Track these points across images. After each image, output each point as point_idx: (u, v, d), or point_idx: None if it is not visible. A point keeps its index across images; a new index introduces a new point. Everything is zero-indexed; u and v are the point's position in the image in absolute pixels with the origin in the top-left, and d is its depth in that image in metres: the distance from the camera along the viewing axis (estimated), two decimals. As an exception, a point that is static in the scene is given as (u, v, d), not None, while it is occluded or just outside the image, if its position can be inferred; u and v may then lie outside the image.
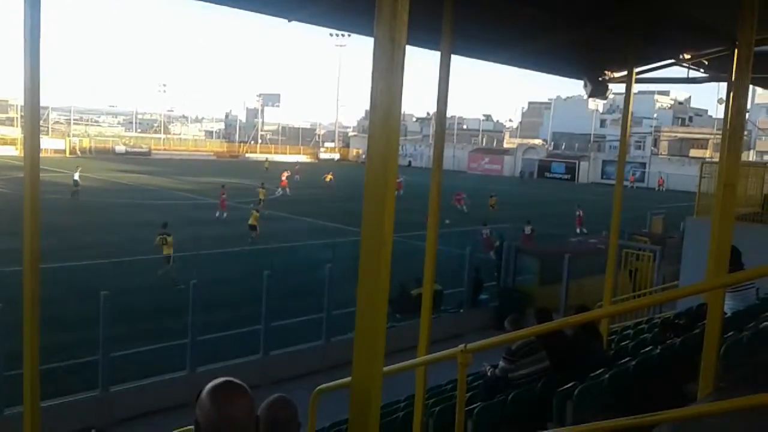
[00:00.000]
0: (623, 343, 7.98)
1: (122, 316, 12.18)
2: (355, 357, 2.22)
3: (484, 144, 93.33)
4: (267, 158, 70.48)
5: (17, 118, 71.33)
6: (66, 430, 9.26)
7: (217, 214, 30.39)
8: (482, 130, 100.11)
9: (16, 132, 70.74)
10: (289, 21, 7.47)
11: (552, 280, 17.00)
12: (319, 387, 4.65)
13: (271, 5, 6.43)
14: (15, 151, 67.31)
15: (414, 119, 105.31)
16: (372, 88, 2.19)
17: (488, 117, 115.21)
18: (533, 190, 57.13)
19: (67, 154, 67.13)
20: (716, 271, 4.57)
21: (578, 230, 30.19)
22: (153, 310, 14.93)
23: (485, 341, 3.90)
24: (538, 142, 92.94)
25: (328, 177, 47.81)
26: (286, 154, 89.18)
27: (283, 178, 42.13)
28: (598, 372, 5.38)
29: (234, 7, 5.93)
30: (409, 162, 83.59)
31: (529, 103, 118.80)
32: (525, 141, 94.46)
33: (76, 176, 36.07)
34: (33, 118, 3.97)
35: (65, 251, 19.89)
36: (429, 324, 6.20)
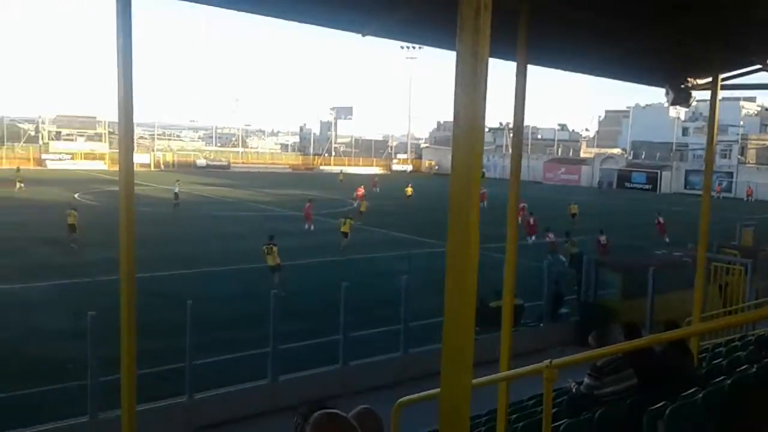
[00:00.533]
0: (716, 362, 7.61)
1: (208, 324, 12.61)
2: (444, 369, 2.22)
3: (559, 154, 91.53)
4: (341, 170, 71.56)
5: (105, 134, 75.11)
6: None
7: (306, 226, 31.03)
8: (558, 140, 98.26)
9: (104, 147, 74.49)
10: (363, 36, 7.58)
11: (636, 294, 16.43)
12: (400, 399, 4.67)
13: (345, 21, 6.55)
14: (104, 166, 71.01)
15: (487, 129, 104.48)
16: (455, 102, 2.20)
17: (563, 126, 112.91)
18: (613, 201, 55.54)
19: (152, 168, 70.16)
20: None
21: (664, 239, 29.15)
22: (238, 318, 15.37)
23: (571, 357, 3.82)
24: (616, 151, 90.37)
25: (408, 190, 47.06)
26: (359, 166, 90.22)
27: (360, 192, 42.64)
28: (690, 391, 5.16)
29: (310, 23, 6.06)
30: (483, 173, 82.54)
31: (606, 111, 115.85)
32: (602, 150, 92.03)
33: (176, 189, 37.52)
34: (127, 134, 4.18)
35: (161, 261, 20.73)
36: (510, 338, 6.10)
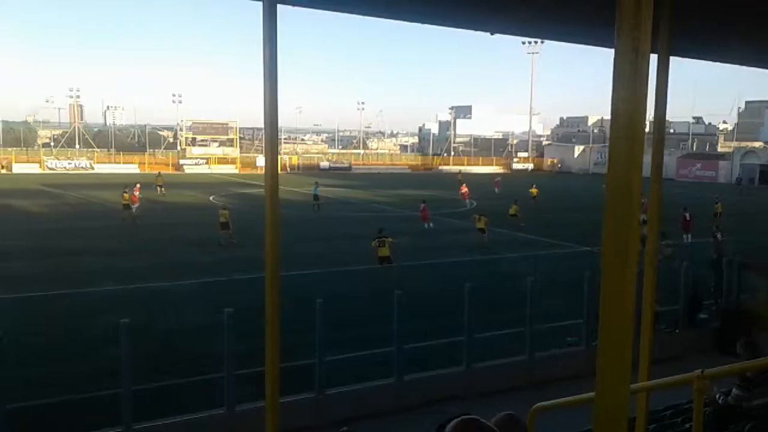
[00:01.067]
0: None
1: (338, 322, 12.97)
2: (600, 375, 2.15)
3: (694, 149, 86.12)
4: (460, 170, 71.26)
5: (236, 139, 79.29)
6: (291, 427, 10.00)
7: (426, 226, 31.33)
8: (692, 134, 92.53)
9: (236, 152, 78.68)
10: (492, 34, 7.49)
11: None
12: (537, 405, 4.57)
13: (475, 20, 6.49)
14: (235, 169, 75.03)
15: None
16: (613, 100, 2.12)
17: (698, 120, 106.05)
18: (756, 199, 51.52)
19: (278, 171, 73.19)
20: None
21: None
22: (364, 316, 15.71)
23: (725, 367, 3.58)
24: (758, 144, 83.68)
25: (534, 191, 45.40)
26: (478, 165, 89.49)
27: (463, 190, 42.51)
28: None
29: (441, 25, 6.06)
30: (609, 170, 79.59)
31: (747, 102, 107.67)
32: (743, 144, 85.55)
33: (316, 191, 38.84)
34: (272, 140, 4.37)
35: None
36: (650, 345, 5.81)
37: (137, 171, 66.95)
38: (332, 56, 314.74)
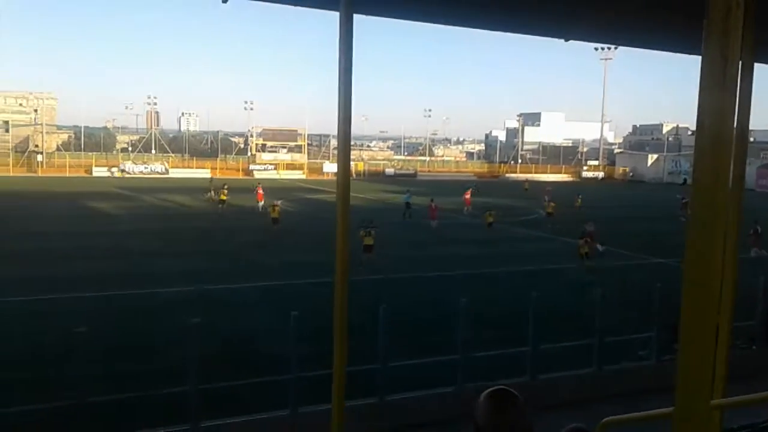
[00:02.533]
0: None
1: (403, 329, 12.99)
2: (680, 390, 2.08)
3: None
4: (527, 179, 70.61)
5: (304, 145, 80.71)
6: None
7: (433, 224, 33.63)
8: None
9: (304, 158, 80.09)
10: (566, 41, 7.38)
11: None
12: (606, 420, 4.44)
13: (550, 28, 6.41)
14: (302, 175, 76.34)
15: (689, 132, 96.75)
16: (700, 107, 2.07)
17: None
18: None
19: (350, 178, 74.01)
20: None
21: None
22: (427, 323, 15.71)
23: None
24: None
25: (578, 201, 45.87)
26: (546, 173, 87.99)
27: (467, 196, 43.71)
28: None
29: (517, 33, 6.03)
30: (685, 179, 76.89)
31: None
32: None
33: (408, 198, 39.14)
34: (345, 147, 4.45)
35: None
36: (726, 361, 5.59)
37: (209, 175, 69.01)
38: (400, 63, 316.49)
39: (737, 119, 5.82)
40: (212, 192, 45.03)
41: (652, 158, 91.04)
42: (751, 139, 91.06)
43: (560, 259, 25.61)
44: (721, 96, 2.05)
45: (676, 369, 2.08)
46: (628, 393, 10.98)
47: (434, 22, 4.96)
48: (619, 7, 5.55)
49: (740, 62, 5.71)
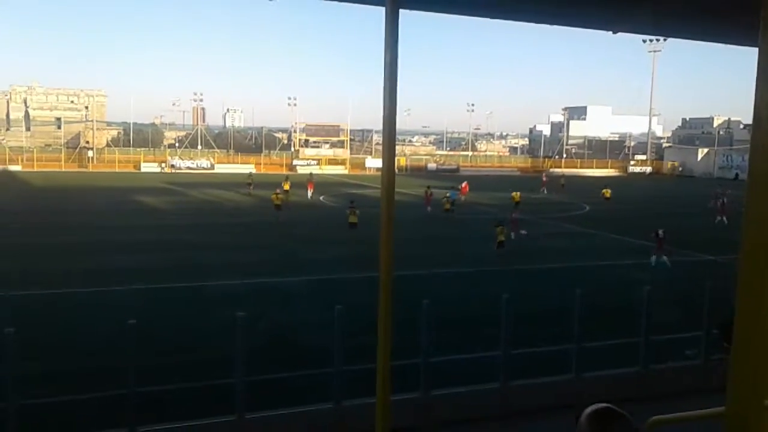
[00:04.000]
0: None
1: (445, 324, 12.96)
2: (733, 389, 2.05)
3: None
4: (563, 174, 69.92)
5: (347, 140, 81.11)
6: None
7: (428, 209, 35.85)
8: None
9: (346, 153, 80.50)
10: (615, 33, 7.24)
11: None
12: (654, 418, 4.36)
13: (598, 20, 6.30)
14: (344, 170, 76.73)
15: (741, 126, 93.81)
16: (756, 101, 2.02)
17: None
18: None
19: (395, 172, 74.10)
20: None
21: None
22: (470, 319, 15.66)
23: None
24: None
25: (607, 192, 46.76)
26: (592, 168, 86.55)
27: (463, 185, 45.27)
28: None
29: (564, 26, 5.94)
30: (736, 174, 74.62)
31: None
32: None
33: (453, 195, 39.09)
34: (390, 143, 4.46)
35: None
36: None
37: (254, 171, 70.05)
38: (442, 57, 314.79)
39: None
40: (251, 187, 45.91)
41: (702, 152, 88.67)
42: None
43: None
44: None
45: (727, 369, 2.05)
46: (675, 393, 10.76)
47: (480, 16, 4.91)
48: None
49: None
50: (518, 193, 39.47)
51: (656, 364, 12.33)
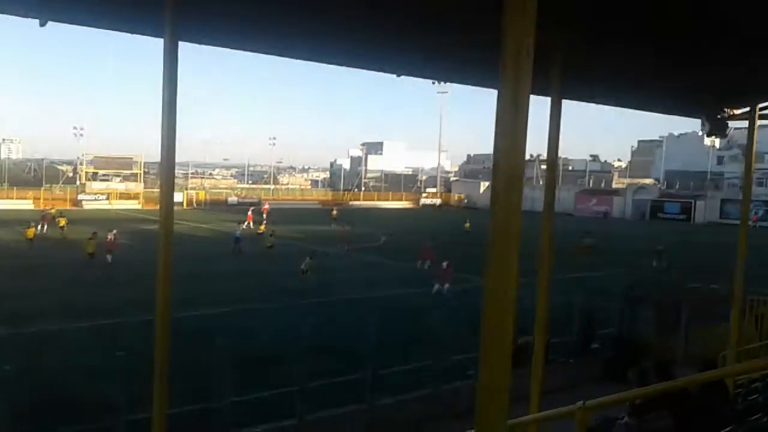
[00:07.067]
0: (752, 398, 7.38)
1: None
2: (479, 410, 2.18)
3: (591, 185, 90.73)
4: (334, 208, 69.18)
5: (140, 174, 76.70)
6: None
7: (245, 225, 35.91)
8: (589, 171, 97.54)
9: (139, 187, 76.01)
10: (398, 76, 7.70)
11: (670, 328, 16.05)
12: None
13: (382, 63, 6.65)
14: (138, 205, 72.35)
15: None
16: (495, 143, 2.22)
17: (595, 157, 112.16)
18: (645, 231, 54.69)
19: (185, 206, 71.17)
20: None
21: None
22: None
23: (605, 398, 3.70)
24: (649, 181, 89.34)
25: (467, 225, 49.62)
26: (388, 200, 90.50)
27: (249, 213, 48.08)
28: (727, 429, 5.00)
29: (350, 66, 6.17)
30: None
31: (639, 141, 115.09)
32: (635, 181, 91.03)
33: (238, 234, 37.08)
34: (169, 174, 4.27)
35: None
36: (542, 376, 6.00)
37: (31, 207, 63.33)
38: (244, 91, 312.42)
39: (548, 151, 6.35)
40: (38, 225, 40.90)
41: (483, 185, 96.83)
42: (570, 168, 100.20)
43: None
44: (513, 135, 2.20)
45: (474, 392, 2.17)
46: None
47: (259, 52, 4.94)
48: (440, 46, 5.89)
49: (550, 99, 6.24)
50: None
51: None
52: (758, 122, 8.30)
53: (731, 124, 9.49)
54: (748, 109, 8.18)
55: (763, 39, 5.75)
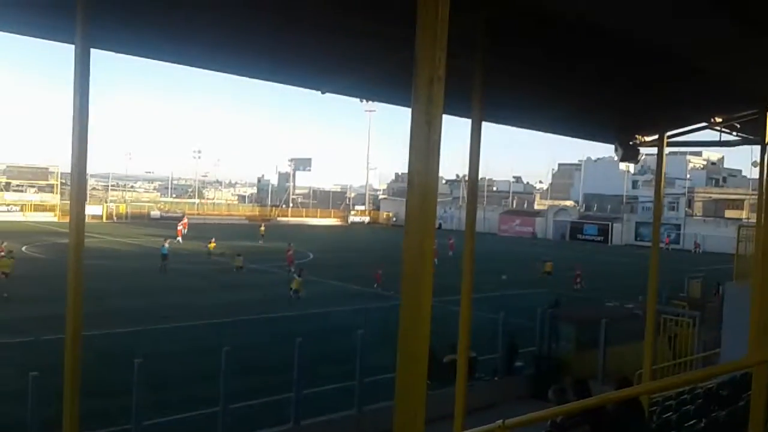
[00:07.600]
0: (666, 415, 7.70)
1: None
2: (396, 428, 2.19)
3: (514, 206, 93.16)
4: (262, 224, 68.25)
5: (57, 185, 73.53)
6: None
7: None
8: (513, 192, 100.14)
9: (56, 198, 72.82)
10: (323, 93, 7.72)
11: (589, 346, 16.58)
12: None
13: (306, 80, 6.65)
14: (54, 218, 69.27)
15: (443, 181, 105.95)
16: (409, 165, 2.25)
17: (518, 179, 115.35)
18: (567, 253, 56.60)
19: (104, 220, 68.72)
20: (758, 342, 4.44)
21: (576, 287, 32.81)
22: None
23: (525, 417, 3.77)
24: (569, 203, 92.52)
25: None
26: (316, 217, 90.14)
27: (179, 227, 48.08)
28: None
29: (275, 82, 6.14)
30: (439, 224, 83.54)
31: (560, 164, 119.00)
32: (556, 202, 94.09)
33: (165, 250, 34.65)
34: (80, 185, 4.13)
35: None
36: (465, 395, 6.08)
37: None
38: (167, 102, 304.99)
39: (469, 171, 6.50)
40: None
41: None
42: (494, 189, 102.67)
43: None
44: (426, 158, 2.24)
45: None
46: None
47: (175, 62, 4.85)
48: (368, 69, 5.96)
49: (471, 120, 6.38)
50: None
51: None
52: (666, 149, 8.77)
53: (643, 150, 10.01)
54: (657, 136, 8.64)
55: (667, 71, 6.11)
